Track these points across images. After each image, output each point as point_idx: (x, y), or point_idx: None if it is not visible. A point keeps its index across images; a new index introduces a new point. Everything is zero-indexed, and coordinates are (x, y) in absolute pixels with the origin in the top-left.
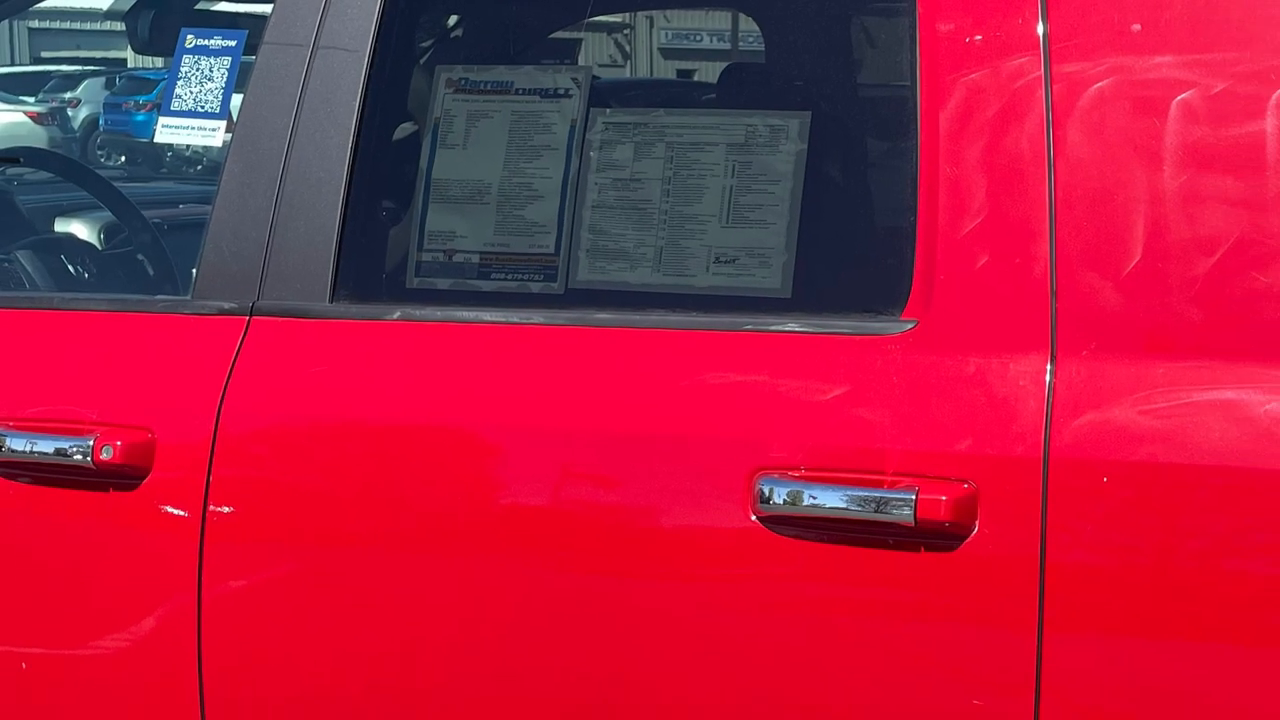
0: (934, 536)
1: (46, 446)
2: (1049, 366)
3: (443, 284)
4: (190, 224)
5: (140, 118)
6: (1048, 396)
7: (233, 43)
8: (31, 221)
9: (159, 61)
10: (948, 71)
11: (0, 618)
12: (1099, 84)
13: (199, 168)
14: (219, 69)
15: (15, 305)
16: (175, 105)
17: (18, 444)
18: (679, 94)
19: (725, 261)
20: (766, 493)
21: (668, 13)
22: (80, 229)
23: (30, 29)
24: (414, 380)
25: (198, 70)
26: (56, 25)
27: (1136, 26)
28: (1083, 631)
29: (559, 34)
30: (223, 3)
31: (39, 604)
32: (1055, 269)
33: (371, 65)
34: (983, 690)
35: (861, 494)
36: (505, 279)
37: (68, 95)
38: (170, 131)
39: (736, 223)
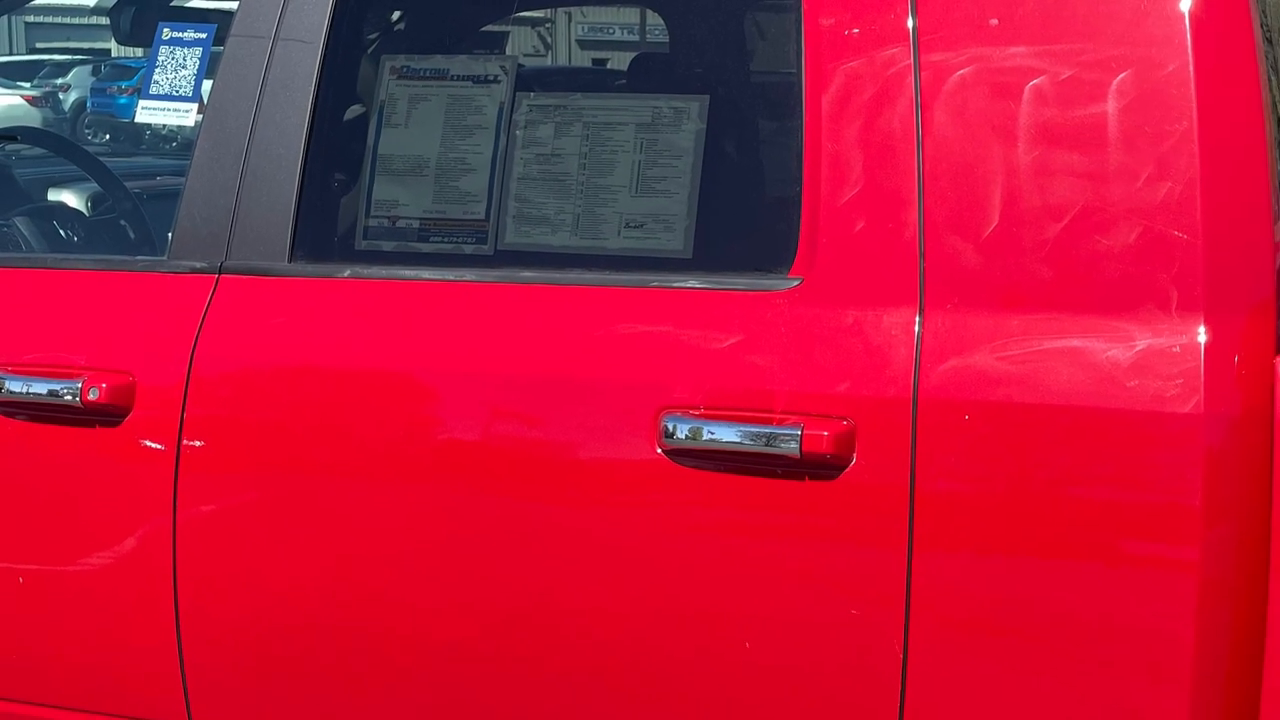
0: (817, 467)
1: (40, 388)
2: (918, 318)
3: (387, 246)
4: (166, 194)
5: (123, 101)
6: (916, 344)
7: (204, 35)
8: (28, 191)
9: (139, 51)
10: (829, 60)
11: (0, 538)
12: (961, 71)
13: (174, 144)
14: (192, 58)
15: (13, 265)
16: (153, 90)
17: (15, 386)
18: (594, 80)
19: (634, 226)
20: (670, 429)
21: (584, 9)
22: (70, 198)
23: (26, 23)
24: (362, 330)
25: (173, 59)
26: (49, 20)
27: (994, 21)
28: (947, 550)
29: (489, 28)
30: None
31: (34, 526)
32: (923, 233)
33: (325, 55)
34: (859, 601)
35: (753, 430)
36: (442, 242)
37: (59, 81)
38: (149, 113)
39: (644, 193)
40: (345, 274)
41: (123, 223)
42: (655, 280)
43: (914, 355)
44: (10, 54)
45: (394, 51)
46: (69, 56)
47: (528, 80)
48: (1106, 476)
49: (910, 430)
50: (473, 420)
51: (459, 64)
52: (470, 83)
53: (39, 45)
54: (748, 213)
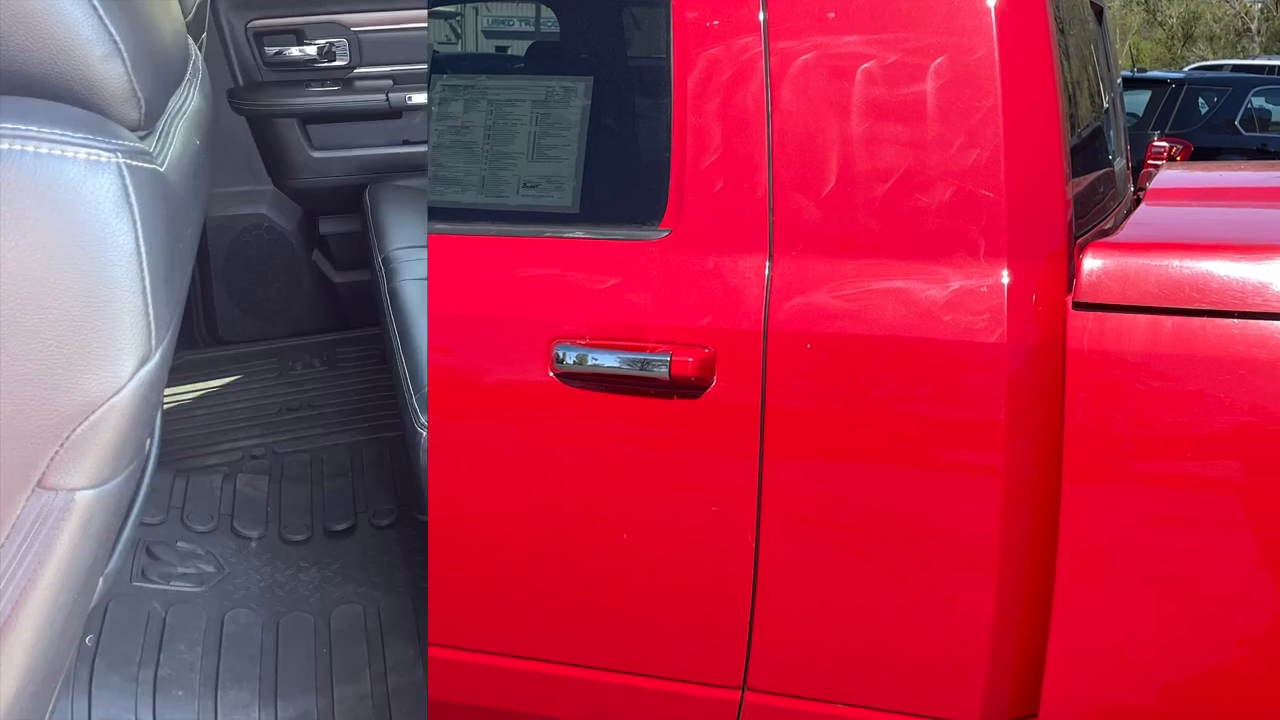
0: (683, 388)
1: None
2: (767, 263)
3: None
4: None
5: None
6: (767, 285)
7: None
8: None
9: None
10: (693, 47)
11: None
12: (804, 56)
13: None
14: None
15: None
16: None
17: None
18: (497, 64)
19: (531, 187)
20: (561, 356)
21: (489, 4)
22: None
23: None
24: None
25: None
26: None
27: (832, 14)
28: (792, 457)
29: None
30: None
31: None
32: (772, 192)
33: None
34: (720, 500)
35: (630, 356)
36: None
37: None
38: None
39: (539, 158)
40: None
41: None
42: (548, 231)
43: (764, 294)
44: None
45: None
46: None
47: (441, 64)
48: (925, 396)
49: (761, 357)
50: None
51: None
52: None
53: None
54: (625, 175)
